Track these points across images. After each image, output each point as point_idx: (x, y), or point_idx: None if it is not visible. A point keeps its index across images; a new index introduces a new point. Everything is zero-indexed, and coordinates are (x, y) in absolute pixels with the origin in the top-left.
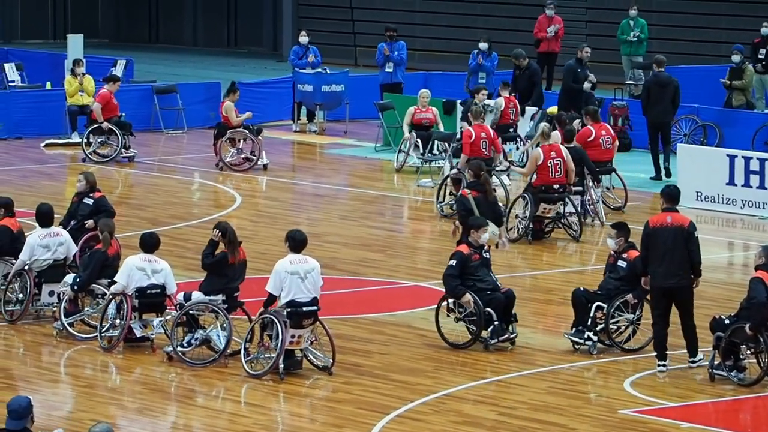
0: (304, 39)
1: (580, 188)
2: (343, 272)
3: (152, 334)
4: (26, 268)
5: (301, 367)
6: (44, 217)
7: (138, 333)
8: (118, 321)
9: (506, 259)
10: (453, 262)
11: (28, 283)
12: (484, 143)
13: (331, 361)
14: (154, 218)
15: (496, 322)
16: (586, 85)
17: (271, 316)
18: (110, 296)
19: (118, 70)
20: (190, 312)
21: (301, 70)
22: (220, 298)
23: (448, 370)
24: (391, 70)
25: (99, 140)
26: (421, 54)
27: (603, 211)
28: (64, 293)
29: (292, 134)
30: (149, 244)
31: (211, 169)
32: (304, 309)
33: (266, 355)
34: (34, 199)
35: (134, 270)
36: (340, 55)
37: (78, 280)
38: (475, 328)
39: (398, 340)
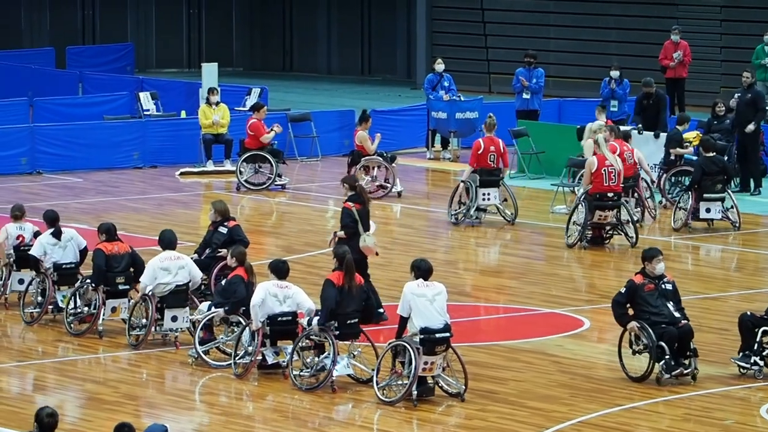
0: (440, 66)
1: (724, 195)
2: (478, 299)
3: (284, 362)
4: (149, 293)
5: (433, 393)
6: (166, 244)
7: (270, 360)
8: (251, 348)
9: None
10: (622, 290)
11: (151, 308)
12: (492, 156)
13: (464, 387)
14: (288, 246)
15: (667, 356)
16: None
17: (404, 343)
18: (246, 323)
19: (253, 99)
20: (311, 337)
21: (435, 99)
22: (332, 324)
23: (583, 396)
24: (528, 96)
25: (252, 168)
26: (555, 81)
27: (740, 216)
28: (198, 321)
29: (426, 161)
30: (282, 270)
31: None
32: (437, 336)
33: (399, 382)
34: (169, 227)
35: (268, 295)
36: (473, 82)
37: (227, 308)
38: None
39: (533, 367)
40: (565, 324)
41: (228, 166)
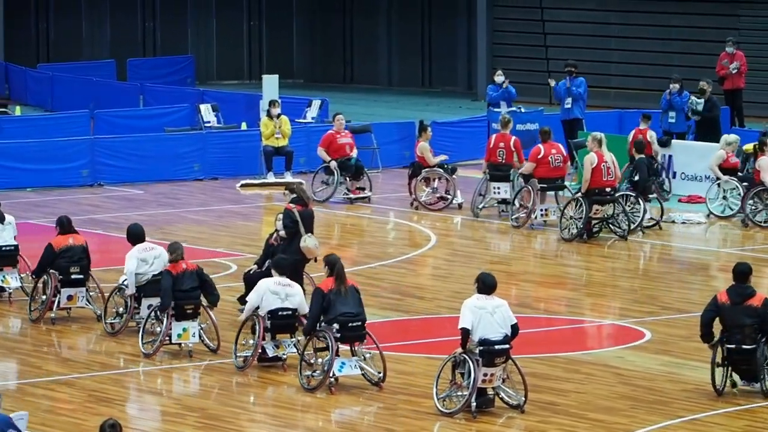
0: (499, 78)
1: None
2: (538, 311)
3: (284, 354)
4: (124, 282)
5: (493, 405)
6: (136, 237)
7: (270, 353)
8: (251, 341)
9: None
10: None
11: (130, 298)
12: (500, 152)
13: (524, 399)
14: (349, 257)
15: None
16: None
17: (464, 355)
18: (246, 316)
19: (313, 111)
20: (319, 337)
21: (495, 109)
22: (334, 327)
23: (644, 408)
24: (569, 105)
25: (322, 180)
26: (617, 92)
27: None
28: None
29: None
30: (284, 266)
31: (405, 209)
32: (496, 347)
33: (459, 394)
34: (230, 239)
35: (268, 293)
36: (534, 94)
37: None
38: None
39: (594, 379)
40: (626, 335)
41: (288, 177)
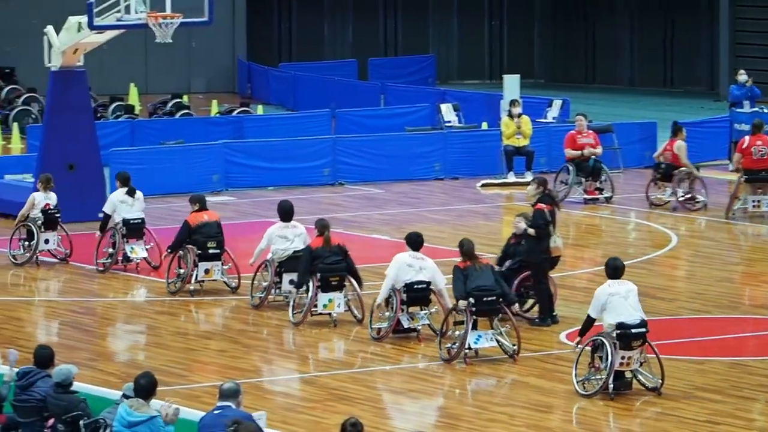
0: (741, 77)
1: None
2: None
3: (419, 326)
4: (269, 258)
5: (630, 388)
6: (285, 214)
7: (405, 324)
8: (387, 314)
9: None
10: None
11: (271, 272)
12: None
13: (660, 381)
14: (590, 258)
15: None
16: None
17: (602, 338)
18: (386, 290)
19: (554, 111)
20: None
21: (738, 110)
22: (470, 301)
23: None
24: None
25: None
26: None
27: None
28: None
29: (729, 174)
30: (417, 242)
31: (647, 209)
32: (633, 331)
33: (597, 377)
34: (470, 238)
35: (404, 266)
36: None
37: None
38: None
39: None
40: None
41: (529, 177)
